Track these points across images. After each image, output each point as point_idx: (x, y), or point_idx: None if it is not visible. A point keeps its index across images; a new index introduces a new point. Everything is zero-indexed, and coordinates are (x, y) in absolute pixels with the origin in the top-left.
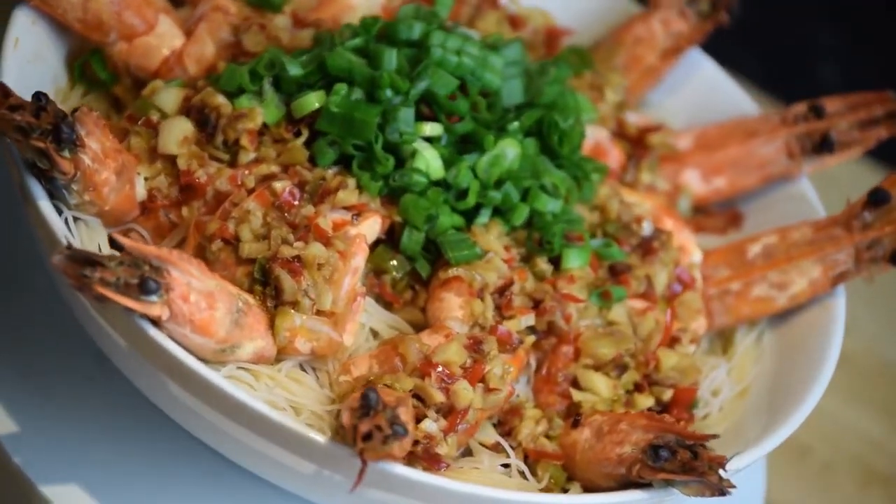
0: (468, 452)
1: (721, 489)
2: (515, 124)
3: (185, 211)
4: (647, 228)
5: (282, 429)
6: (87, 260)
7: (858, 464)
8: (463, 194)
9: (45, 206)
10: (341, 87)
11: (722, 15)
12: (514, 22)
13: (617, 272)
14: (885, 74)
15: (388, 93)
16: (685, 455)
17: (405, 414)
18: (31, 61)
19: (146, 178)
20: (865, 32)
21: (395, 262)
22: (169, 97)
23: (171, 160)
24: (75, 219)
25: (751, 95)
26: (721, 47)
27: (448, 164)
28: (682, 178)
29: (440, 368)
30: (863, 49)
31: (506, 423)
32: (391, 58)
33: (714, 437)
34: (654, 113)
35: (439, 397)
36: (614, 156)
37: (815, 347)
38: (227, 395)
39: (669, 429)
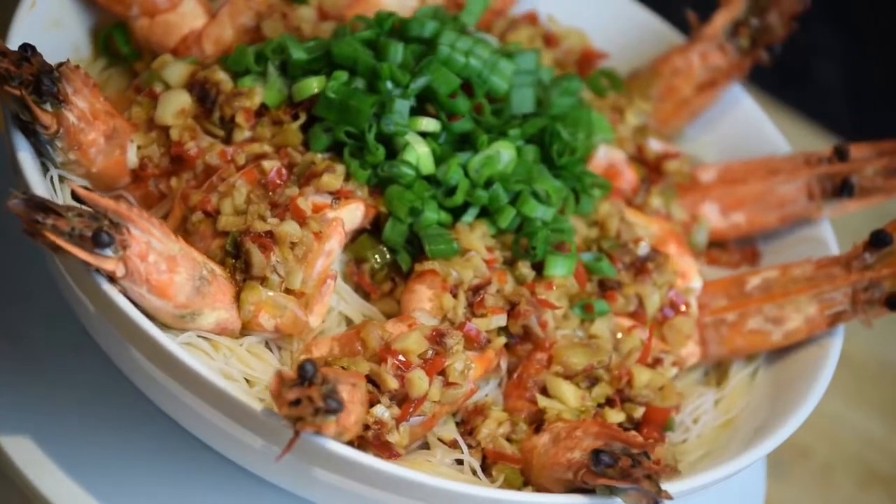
0: (427, 447)
1: (654, 499)
2: (517, 130)
3: (173, 182)
4: (643, 249)
5: (218, 392)
6: (44, 207)
7: (858, 464)
8: (452, 191)
9: (25, 156)
10: (341, 74)
11: (761, 53)
12: (549, 40)
13: (605, 288)
14: (885, 75)
15: (389, 85)
16: (626, 462)
17: (346, 392)
18: (50, 27)
19: (139, 147)
20: (865, 33)
21: (375, 252)
22: (175, 71)
23: (166, 131)
24: (62, 179)
25: (751, 95)
26: None
27: (441, 160)
28: (700, 209)
29: (400, 356)
30: (863, 49)
31: (469, 422)
32: (397, 51)
33: (653, 444)
34: (689, 146)
35: (393, 384)
36: (627, 178)
37: (805, 382)
38: (166, 351)
39: (618, 437)
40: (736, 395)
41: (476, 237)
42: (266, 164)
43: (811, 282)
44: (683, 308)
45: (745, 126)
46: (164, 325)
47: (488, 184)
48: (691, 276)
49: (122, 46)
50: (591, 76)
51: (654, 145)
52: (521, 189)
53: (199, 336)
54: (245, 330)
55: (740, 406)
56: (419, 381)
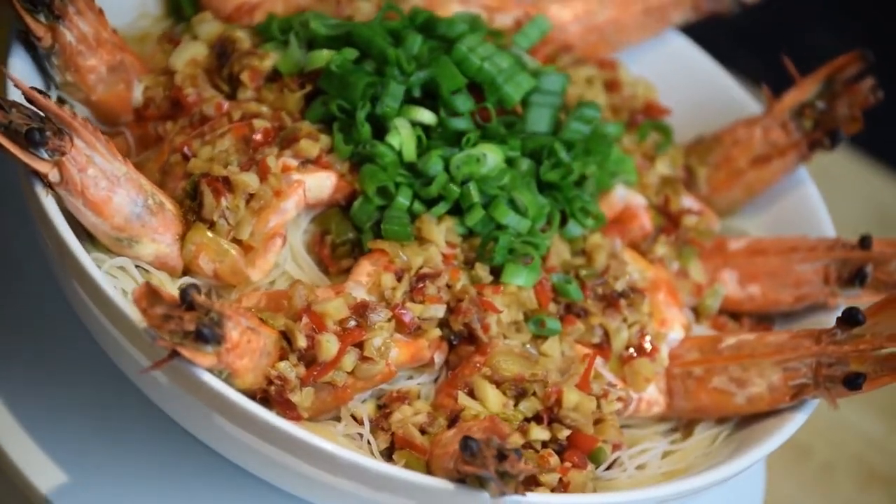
0: (339, 420)
1: (502, 491)
2: (517, 140)
3: (169, 125)
4: (619, 284)
5: (104, 298)
6: None
7: (858, 464)
8: (430, 183)
9: (14, 62)
10: (350, 52)
11: (822, 136)
12: (611, 85)
13: (569, 312)
14: (887, 77)
15: (396, 71)
16: (490, 453)
17: (238, 332)
18: None
19: (147, 87)
20: (867, 35)
21: (340, 227)
22: (208, 28)
23: (173, 76)
24: (63, 102)
25: (752, 96)
26: (722, 48)
27: (426, 151)
28: (720, 275)
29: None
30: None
31: (389, 406)
32: (415, 42)
33: (525, 448)
34: (744, 223)
35: (302, 342)
36: (641, 223)
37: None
38: (67, 246)
39: (499, 432)
40: (688, 453)
41: (438, 230)
42: (256, 122)
43: (779, 349)
44: (650, 351)
45: (800, 212)
46: (105, 248)
47: (466, 182)
48: (671, 325)
49: (187, 8)
50: (641, 125)
51: (686, 202)
52: (498, 194)
53: (136, 266)
54: (187, 273)
55: (687, 462)
56: (327, 344)
